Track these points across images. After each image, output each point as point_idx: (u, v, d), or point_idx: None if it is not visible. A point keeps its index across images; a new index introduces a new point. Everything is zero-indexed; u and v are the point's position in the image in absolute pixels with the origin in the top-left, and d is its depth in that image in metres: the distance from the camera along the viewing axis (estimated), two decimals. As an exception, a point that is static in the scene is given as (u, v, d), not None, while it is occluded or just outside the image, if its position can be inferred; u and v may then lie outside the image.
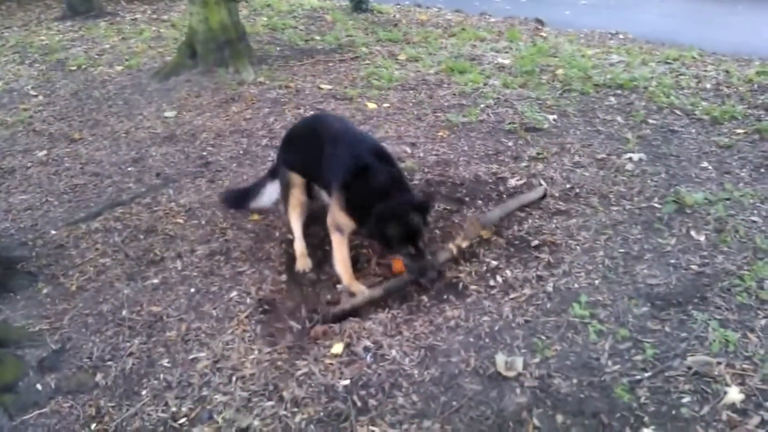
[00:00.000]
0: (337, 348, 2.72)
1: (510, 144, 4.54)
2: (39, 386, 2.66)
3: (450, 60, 6.45)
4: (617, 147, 4.40)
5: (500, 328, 2.78)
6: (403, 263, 3.02)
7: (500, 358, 2.58)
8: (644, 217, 3.51)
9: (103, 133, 5.25)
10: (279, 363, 2.68)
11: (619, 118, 4.89)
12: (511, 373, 2.51)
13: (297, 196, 3.39)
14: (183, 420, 2.44)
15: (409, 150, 4.49)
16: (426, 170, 4.20)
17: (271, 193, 3.66)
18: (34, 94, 6.35)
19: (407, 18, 8.77)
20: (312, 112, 5.23)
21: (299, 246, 3.38)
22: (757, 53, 6.46)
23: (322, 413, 2.42)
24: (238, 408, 2.47)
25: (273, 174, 3.65)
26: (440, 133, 4.79)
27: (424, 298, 3.02)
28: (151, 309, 3.09)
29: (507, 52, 6.77)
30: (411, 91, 5.69)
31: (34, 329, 2.99)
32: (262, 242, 3.56)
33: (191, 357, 2.76)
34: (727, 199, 3.60)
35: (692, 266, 3.06)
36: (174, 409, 2.49)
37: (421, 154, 4.44)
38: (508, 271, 3.14)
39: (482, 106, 5.23)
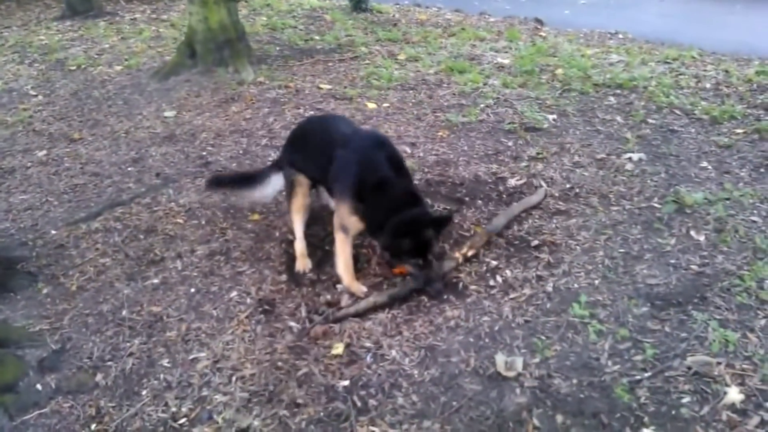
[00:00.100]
0: (338, 348, 2.72)
1: (510, 144, 4.54)
2: (39, 386, 2.66)
3: (449, 60, 6.45)
4: (617, 147, 4.40)
5: (500, 328, 2.78)
6: (410, 273, 3.02)
7: (500, 358, 2.58)
8: (644, 217, 3.51)
9: (102, 133, 5.25)
10: (279, 363, 2.68)
11: (618, 118, 4.89)
12: (511, 373, 2.51)
13: (301, 197, 3.36)
14: (183, 420, 2.45)
15: (408, 150, 4.49)
16: (426, 170, 4.20)
17: (275, 185, 3.56)
18: (34, 93, 6.35)
19: (407, 18, 8.77)
20: (312, 112, 5.24)
21: (300, 246, 3.38)
22: (756, 53, 6.46)
23: (322, 413, 2.42)
24: (238, 408, 2.47)
25: (277, 167, 3.56)
26: (440, 133, 4.79)
27: (424, 298, 3.02)
28: (151, 309, 3.09)
29: (506, 52, 6.78)
30: (410, 91, 5.69)
31: (34, 329, 2.99)
32: (262, 242, 3.56)
33: (191, 357, 2.76)
34: (727, 199, 3.61)
35: (692, 266, 3.07)
36: (174, 409, 2.49)
37: (421, 154, 4.44)
38: (508, 271, 3.14)
39: (482, 105, 5.23)
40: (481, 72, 6.04)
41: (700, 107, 4.95)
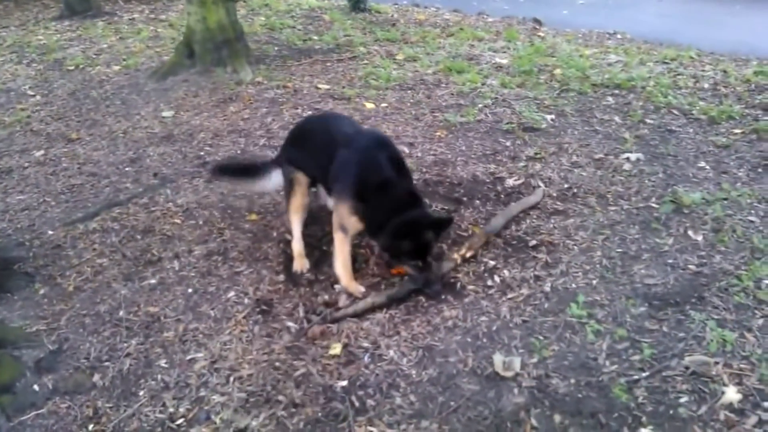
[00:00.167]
0: (336, 349, 2.72)
1: (508, 144, 4.54)
2: (36, 387, 2.66)
3: (448, 60, 6.45)
4: (615, 147, 4.41)
5: (498, 328, 2.78)
6: (409, 274, 3.02)
7: (498, 358, 2.58)
8: (642, 217, 3.51)
9: (100, 133, 5.24)
10: (277, 363, 2.68)
11: (616, 118, 4.89)
12: (509, 373, 2.51)
13: (300, 196, 3.33)
14: (180, 420, 2.44)
15: (406, 150, 4.48)
16: (424, 170, 4.20)
17: (276, 180, 3.50)
18: (32, 93, 6.33)
19: (405, 18, 8.77)
20: (310, 113, 5.23)
21: (297, 246, 3.36)
22: (754, 53, 6.47)
23: (319, 414, 2.42)
24: (236, 409, 2.47)
25: (277, 163, 3.52)
26: (438, 133, 4.79)
27: (422, 298, 3.02)
28: (148, 309, 3.08)
29: (505, 52, 6.78)
30: (409, 91, 5.69)
31: (31, 330, 2.99)
32: (259, 242, 3.56)
33: (189, 357, 2.76)
34: (725, 199, 3.61)
35: (690, 266, 3.07)
36: (171, 409, 2.49)
37: (419, 154, 4.44)
38: (505, 271, 3.14)
39: (480, 105, 5.23)
40: (480, 72, 6.04)
41: (698, 107, 4.95)
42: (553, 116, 4.96)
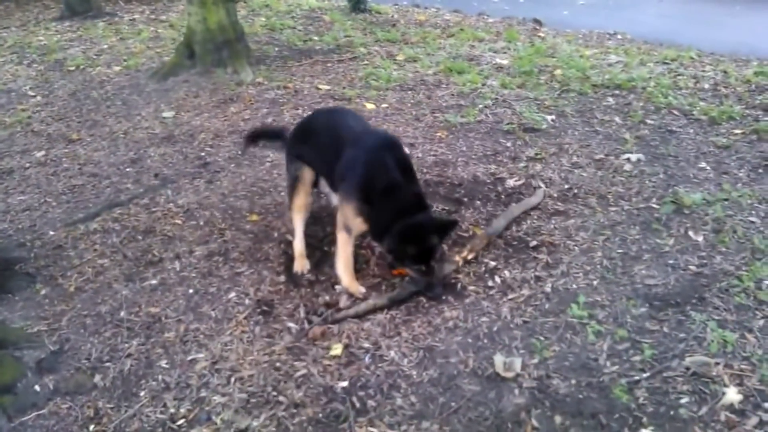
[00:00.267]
0: (337, 349, 2.72)
1: (508, 144, 4.55)
2: (37, 387, 2.66)
3: (448, 60, 6.45)
4: (615, 147, 4.41)
5: (499, 328, 2.78)
6: (411, 277, 3.02)
7: (499, 359, 2.58)
8: (642, 218, 3.51)
9: (101, 134, 5.25)
10: (278, 364, 2.68)
11: (617, 119, 4.89)
12: (510, 374, 2.51)
13: (303, 195, 3.30)
14: (181, 421, 2.44)
15: (407, 150, 4.48)
16: (424, 171, 4.20)
17: None
18: (33, 94, 6.34)
19: (405, 18, 8.77)
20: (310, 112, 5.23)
21: (298, 246, 3.35)
22: (755, 53, 6.47)
23: (320, 414, 2.42)
24: (237, 409, 2.47)
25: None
26: (438, 134, 4.79)
27: (423, 298, 3.02)
28: (149, 310, 3.08)
29: (505, 53, 6.78)
30: (409, 92, 5.70)
31: (32, 330, 2.99)
32: (260, 243, 3.56)
33: (190, 358, 2.76)
34: (725, 200, 3.61)
35: (690, 267, 3.07)
36: (172, 410, 2.49)
37: (420, 155, 4.45)
38: (506, 272, 3.14)
39: (480, 106, 5.24)
40: (480, 73, 6.04)
41: (698, 108, 4.95)
42: (553, 117, 4.96)
